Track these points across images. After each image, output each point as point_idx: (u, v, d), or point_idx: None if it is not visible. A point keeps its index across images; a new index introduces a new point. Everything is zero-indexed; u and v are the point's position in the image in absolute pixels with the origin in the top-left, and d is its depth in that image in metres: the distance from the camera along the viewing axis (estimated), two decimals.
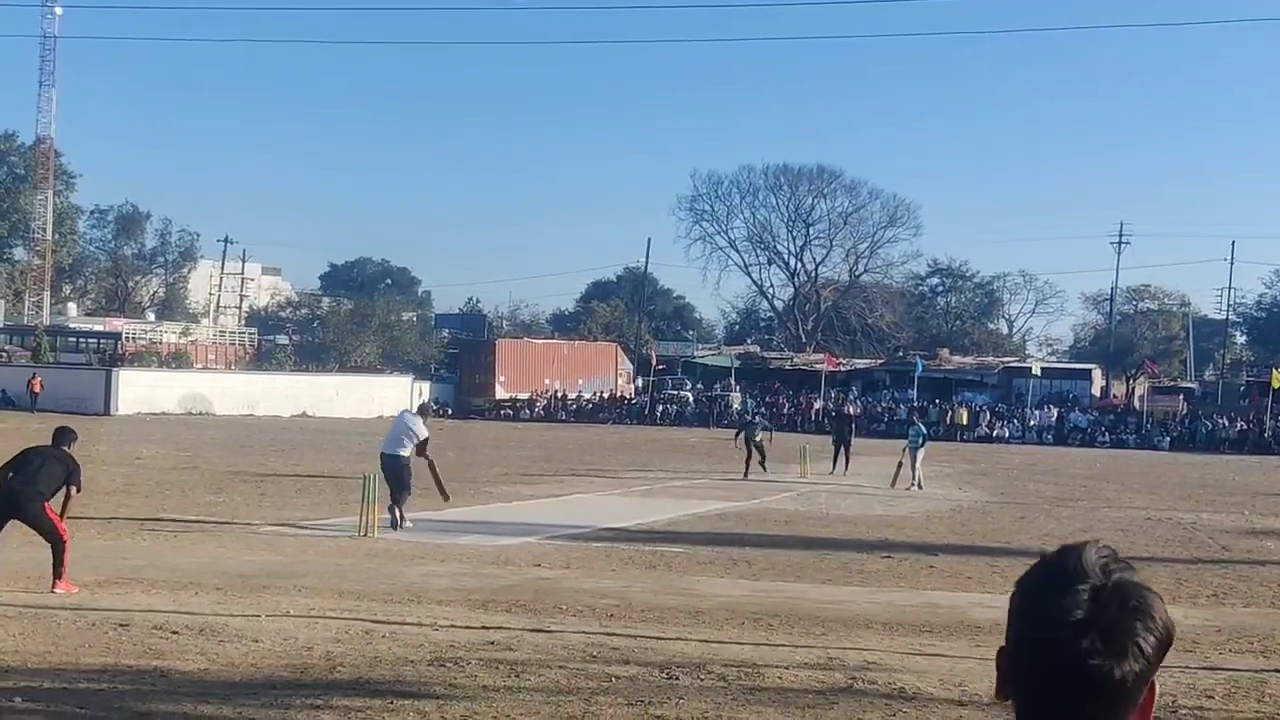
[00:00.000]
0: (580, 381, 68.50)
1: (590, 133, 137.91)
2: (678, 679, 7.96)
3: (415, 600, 10.73)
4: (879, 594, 12.15)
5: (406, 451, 16.41)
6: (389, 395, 53.75)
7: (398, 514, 15.80)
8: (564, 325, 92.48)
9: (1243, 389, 67.58)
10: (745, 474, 27.12)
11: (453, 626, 9.51)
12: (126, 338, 67.76)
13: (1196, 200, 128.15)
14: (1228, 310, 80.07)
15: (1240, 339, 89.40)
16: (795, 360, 76.04)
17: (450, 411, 62.01)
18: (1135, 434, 56.88)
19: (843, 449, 30.05)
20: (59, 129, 77.75)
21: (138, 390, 50.80)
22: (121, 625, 9.08)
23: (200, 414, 50.71)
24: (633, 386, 70.77)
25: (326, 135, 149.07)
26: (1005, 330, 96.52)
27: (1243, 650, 9.84)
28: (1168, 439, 55.67)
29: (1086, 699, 1.47)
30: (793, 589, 12.30)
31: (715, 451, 34.13)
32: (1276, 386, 52.80)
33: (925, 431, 28.60)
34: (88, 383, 51.26)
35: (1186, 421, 57.96)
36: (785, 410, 62.03)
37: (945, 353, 75.29)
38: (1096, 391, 69.09)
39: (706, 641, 9.27)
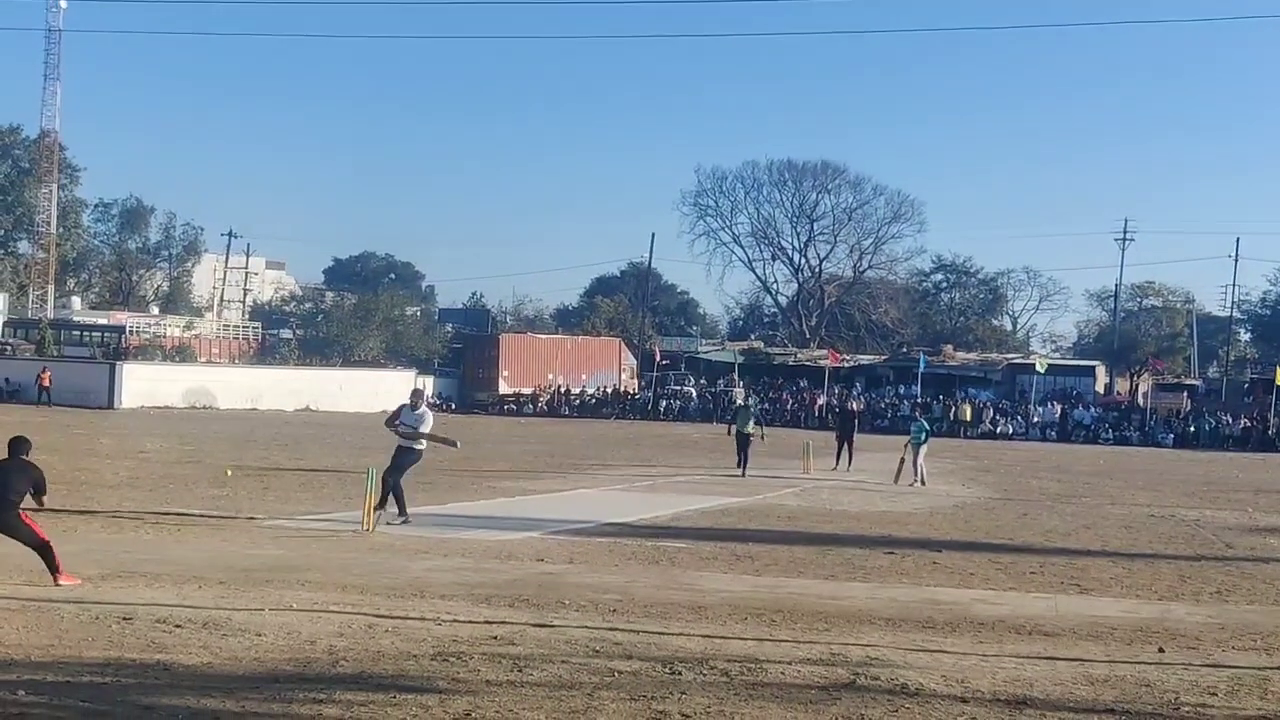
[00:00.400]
0: (584, 377, 68.54)
1: (595, 128, 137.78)
2: (680, 674, 7.96)
3: (418, 595, 10.74)
4: (882, 590, 12.15)
5: (421, 445, 16.48)
6: (393, 390, 53.62)
7: (399, 505, 15.78)
8: (568, 320, 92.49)
9: (1247, 386, 67.57)
10: (743, 471, 26.56)
11: (456, 621, 9.52)
12: (130, 331, 67.73)
13: (1201, 197, 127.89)
14: (1232, 307, 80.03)
15: (1244, 336, 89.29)
16: (799, 356, 76.09)
17: (454, 406, 62.13)
18: (1139, 431, 56.88)
19: (846, 445, 30.05)
20: (63, 123, 77.71)
21: (142, 384, 50.90)
22: (125, 619, 9.09)
23: (204, 408, 50.79)
24: (636, 382, 70.81)
25: (331, 130, 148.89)
26: (1009, 327, 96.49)
27: (1246, 647, 9.84)
28: (1171, 436, 55.70)
29: None
30: (795, 584, 12.30)
31: (719, 447, 34.12)
32: None
33: (928, 427, 28.62)
34: (92, 376, 51.30)
35: (1190, 419, 57.98)
36: (789, 406, 62.09)
37: (949, 349, 75.24)
38: (1100, 388, 69.08)
39: (709, 637, 9.27)
